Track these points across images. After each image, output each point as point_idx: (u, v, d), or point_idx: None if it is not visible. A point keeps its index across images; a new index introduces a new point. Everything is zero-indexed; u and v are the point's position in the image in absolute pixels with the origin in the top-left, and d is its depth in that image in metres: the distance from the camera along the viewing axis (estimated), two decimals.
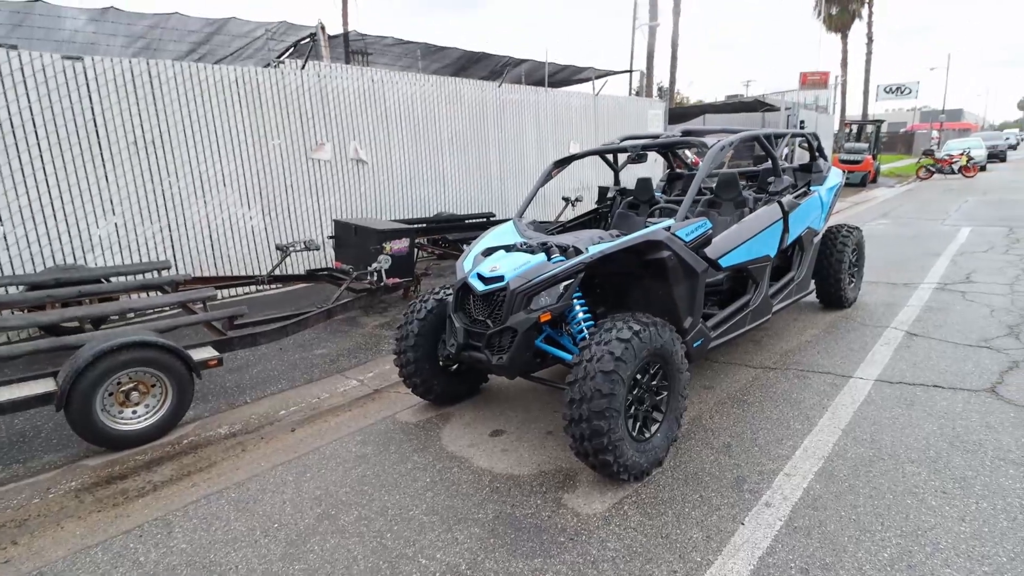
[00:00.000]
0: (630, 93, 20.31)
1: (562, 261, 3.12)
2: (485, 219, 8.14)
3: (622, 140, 4.76)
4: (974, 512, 2.53)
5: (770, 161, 4.71)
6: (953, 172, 20.88)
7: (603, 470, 2.73)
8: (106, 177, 5.82)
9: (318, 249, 6.36)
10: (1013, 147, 41.29)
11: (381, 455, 3.30)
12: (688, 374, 3.12)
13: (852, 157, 18.55)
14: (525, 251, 3.29)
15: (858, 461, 2.98)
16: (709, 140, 4.00)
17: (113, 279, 5.24)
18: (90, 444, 3.35)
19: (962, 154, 21.28)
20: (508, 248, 3.41)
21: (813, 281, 5.26)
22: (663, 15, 18.63)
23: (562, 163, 4.53)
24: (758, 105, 20.94)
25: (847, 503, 2.64)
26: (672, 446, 3.07)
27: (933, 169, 20.99)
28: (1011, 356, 4.24)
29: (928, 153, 22.73)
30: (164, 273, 5.52)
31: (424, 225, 7.43)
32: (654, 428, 2.96)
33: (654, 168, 12.12)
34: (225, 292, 6.50)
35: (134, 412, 3.44)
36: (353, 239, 6.01)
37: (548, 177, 4.45)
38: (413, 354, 3.62)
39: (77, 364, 3.15)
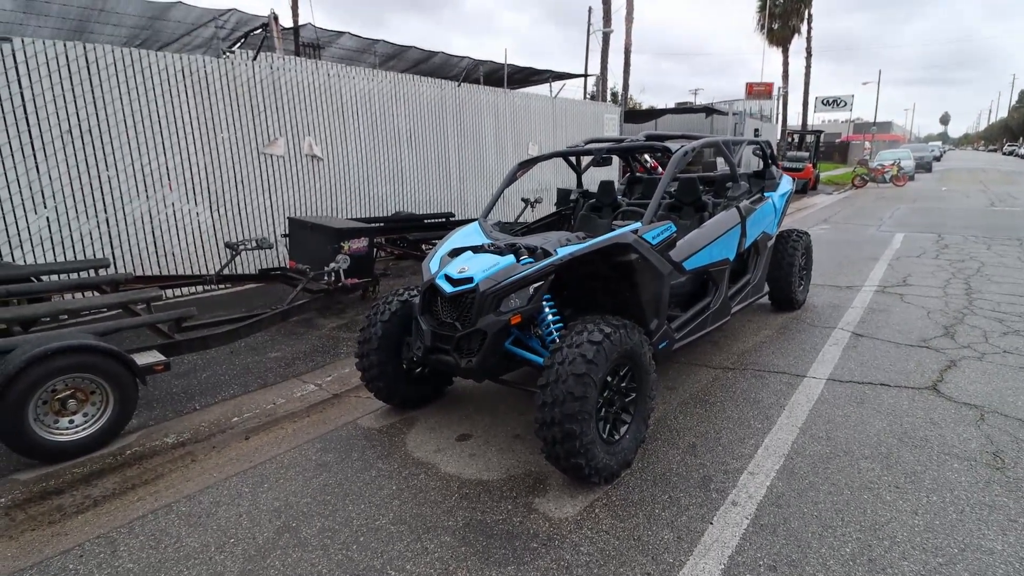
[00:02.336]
0: (584, 97, 20.56)
1: (531, 263, 3.08)
2: (445, 219, 8.03)
3: (587, 143, 4.78)
4: (926, 506, 2.65)
5: (728, 167, 4.83)
6: (885, 181, 22.14)
7: (574, 473, 2.71)
8: (37, 168, 5.41)
9: (271, 247, 6.13)
10: (937, 159, 44.35)
11: (343, 463, 3.18)
12: (655, 375, 3.15)
13: (794, 165, 19.39)
14: (494, 252, 3.23)
15: (816, 458, 3.09)
16: (672, 145, 4.06)
17: (45, 278, 4.86)
18: (21, 456, 3.09)
19: (893, 164, 22.61)
20: (476, 249, 3.35)
21: (767, 283, 5.44)
22: (616, 23, 18.95)
23: (527, 164, 4.51)
24: (708, 111, 21.68)
25: (809, 500, 2.72)
26: (640, 447, 3.09)
27: (867, 178, 22.18)
28: (948, 355, 4.50)
29: (862, 163, 24.03)
30: (102, 272, 5.17)
31: (383, 224, 7.27)
32: (623, 430, 2.96)
33: (611, 171, 12.29)
34: (170, 292, 6.16)
35: (71, 421, 3.19)
36: (309, 238, 5.81)
37: (513, 178, 4.42)
38: (376, 357, 3.51)
39: (7, 370, 2.90)
